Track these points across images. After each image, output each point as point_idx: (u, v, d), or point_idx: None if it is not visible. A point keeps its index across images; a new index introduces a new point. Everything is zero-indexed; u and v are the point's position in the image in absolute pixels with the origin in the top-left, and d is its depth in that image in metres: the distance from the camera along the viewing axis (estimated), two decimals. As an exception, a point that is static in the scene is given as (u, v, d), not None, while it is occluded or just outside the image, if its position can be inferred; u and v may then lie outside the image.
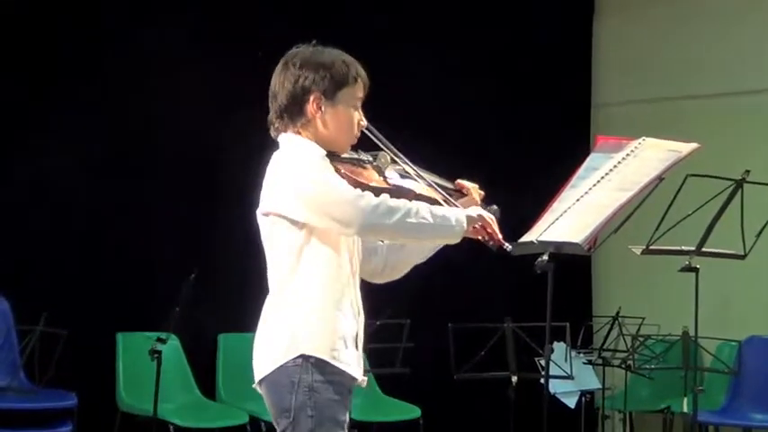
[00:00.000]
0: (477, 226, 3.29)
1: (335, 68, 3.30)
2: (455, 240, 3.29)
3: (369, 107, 3.40)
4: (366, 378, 3.35)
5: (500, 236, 3.33)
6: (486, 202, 3.45)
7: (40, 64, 7.05)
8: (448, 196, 3.37)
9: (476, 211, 3.33)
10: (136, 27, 7.30)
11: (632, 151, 3.64)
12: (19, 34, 7.01)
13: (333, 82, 3.29)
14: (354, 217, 3.14)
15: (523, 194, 5.96)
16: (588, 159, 3.71)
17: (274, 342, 3.23)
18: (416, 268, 3.54)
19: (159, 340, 6.34)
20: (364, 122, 3.37)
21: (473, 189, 3.45)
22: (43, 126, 7.01)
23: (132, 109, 7.24)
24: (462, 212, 3.29)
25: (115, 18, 7.29)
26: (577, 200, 3.58)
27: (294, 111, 3.30)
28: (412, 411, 7.53)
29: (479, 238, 3.33)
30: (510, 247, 3.35)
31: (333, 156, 3.29)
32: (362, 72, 3.36)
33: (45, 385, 6.34)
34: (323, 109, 3.29)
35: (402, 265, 3.50)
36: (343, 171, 3.24)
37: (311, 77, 3.28)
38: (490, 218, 3.33)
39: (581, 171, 3.67)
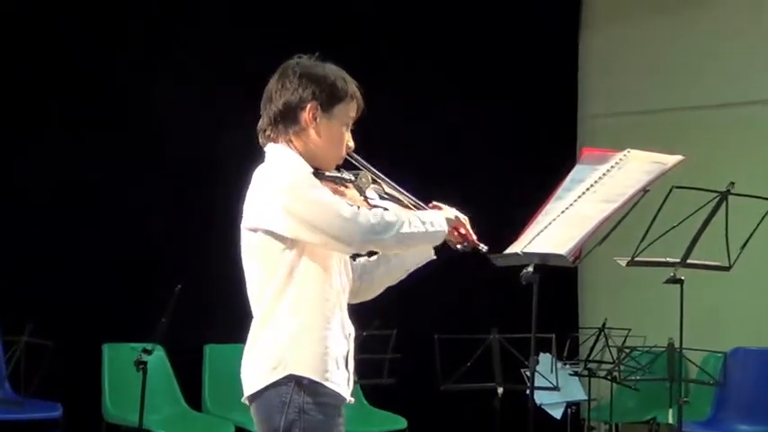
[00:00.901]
0: (450, 228, 3.35)
1: (335, 83, 3.32)
2: (439, 242, 3.36)
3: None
4: (353, 399, 3.36)
5: (474, 236, 3.38)
6: None
7: (37, 64, 7.06)
8: None
9: (452, 212, 3.38)
10: (135, 28, 7.32)
11: (617, 163, 3.65)
12: (19, 34, 7.02)
13: (331, 96, 3.31)
14: (356, 234, 3.15)
15: (509, 205, 5.98)
16: (573, 171, 3.72)
17: (265, 360, 3.22)
18: (403, 279, 3.55)
19: (145, 351, 6.31)
20: (352, 144, 3.38)
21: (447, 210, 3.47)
22: (34, 134, 7.02)
23: (126, 120, 7.25)
24: (441, 214, 3.35)
25: (114, 20, 7.30)
26: (562, 211, 3.58)
27: (289, 118, 3.30)
28: (398, 422, 7.52)
29: (451, 239, 3.37)
30: (485, 247, 3.39)
31: (317, 173, 3.28)
32: (359, 94, 3.38)
33: (30, 396, 6.32)
34: (318, 120, 3.30)
35: (376, 286, 3.52)
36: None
37: (311, 88, 3.29)
38: (464, 218, 3.38)
39: (566, 183, 3.68)
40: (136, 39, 7.32)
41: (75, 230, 7.11)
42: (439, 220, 3.31)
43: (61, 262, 7.03)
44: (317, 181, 3.24)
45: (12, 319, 6.51)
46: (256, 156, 3.36)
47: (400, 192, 3.42)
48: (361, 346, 6.39)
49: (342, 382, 3.27)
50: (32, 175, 7.00)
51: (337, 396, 3.26)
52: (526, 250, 3.55)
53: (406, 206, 3.38)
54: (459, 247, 3.39)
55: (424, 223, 3.26)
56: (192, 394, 7.43)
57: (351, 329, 3.35)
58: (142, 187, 7.30)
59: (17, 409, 6.40)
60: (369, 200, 3.35)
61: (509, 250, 3.55)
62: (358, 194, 3.34)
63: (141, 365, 6.31)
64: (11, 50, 6.99)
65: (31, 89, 7.05)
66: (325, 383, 3.21)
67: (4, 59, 6.95)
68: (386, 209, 3.30)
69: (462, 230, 3.36)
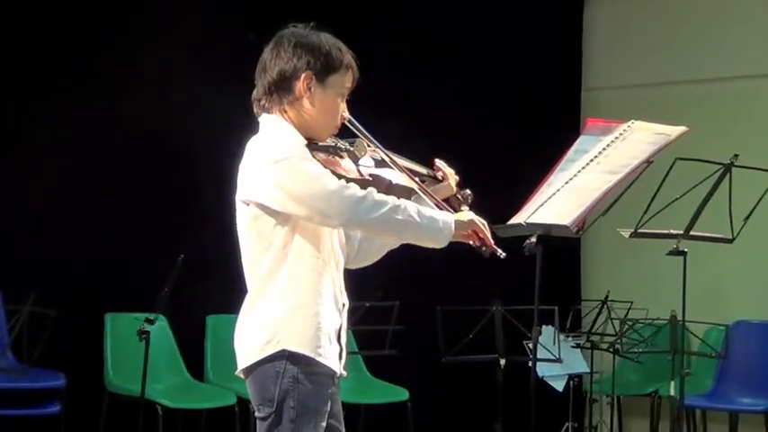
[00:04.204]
0: (468, 231, 3.26)
1: (330, 52, 3.29)
2: (442, 244, 3.24)
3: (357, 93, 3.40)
4: (345, 372, 3.35)
5: (492, 241, 3.29)
6: (460, 187, 3.45)
7: (28, 54, 7.04)
8: (422, 184, 3.36)
9: (467, 215, 3.29)
10: (124, 16, 7.30)
11: (621, 134, 3.65)
12: (13, 31, 7.02)
13: (326, 65, 3.28)
14: (339, 209, 3.12)
15: (513, 177, 5.96)
16: (577, 142, 3.71)
17: (258, 334, 3.22)
18: (406, 252, 3.53)
19: (148, 321, 6.31)
20: (347, 115, 3.34)
21: (450, 174, 3.44)
22: (29, 111, 7.01)
23: (119, 91, 7.22)
24: (452, 216, 3.26)
25: (103, 7, 7.28)
26: (566, 182, 3.58)
27: (283, 87, 3.27)
28: (400, 394, 7.53)
29: (470, 243, 3.28)
30: (504, 254, 3.29)
31: (310, 144, 3.26)
32: (354, 64, 3.35)
33: (33, 365, 6.33)
34: (312, 90, 3.27)
35: (375, 251, 3.49)
36: (319, 161, 3.21)
37: (305, 57, 3.26)
38: (482, 222, 3.28)
39: (570, 154, 3.68)
40: (121, 25, 7.28)
41: (76, 201, 7.10)
42: (446, 219, 3.22)
43: (64, 231, 7.02)
44: (308, 153, 3.21)
45: (15, 288, 6.52)
46: (253, 131, 3.34)
47: (398, 158, 3.37)
48: (364, 317, 6.45)
49: (333, 356, 3.27)
50: (20, 156, 6.99)
51: (329, 369, 3.26)
52: (530, 221, 3.56)
53: (403, 172, 3.33)
54: (480, 250, 3.28)
55: (421, 216, 3.17)
56: (195, 364, 7.44)
57: (344, 300, 3.35)
58: (139, 160, 7.28)
59: (20, 378, 6.41)
60: (365, 167, 3.30)
61: (512, 221, 3.55)
62: (353, 164, 3.30)
63: (144, 335, 6.32)
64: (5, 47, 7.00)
65: (21, 79, 7.02)
66: (318, 359, 3.21)
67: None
68: (385, 177, 3.27)
69: (481, 235, 3.27)
